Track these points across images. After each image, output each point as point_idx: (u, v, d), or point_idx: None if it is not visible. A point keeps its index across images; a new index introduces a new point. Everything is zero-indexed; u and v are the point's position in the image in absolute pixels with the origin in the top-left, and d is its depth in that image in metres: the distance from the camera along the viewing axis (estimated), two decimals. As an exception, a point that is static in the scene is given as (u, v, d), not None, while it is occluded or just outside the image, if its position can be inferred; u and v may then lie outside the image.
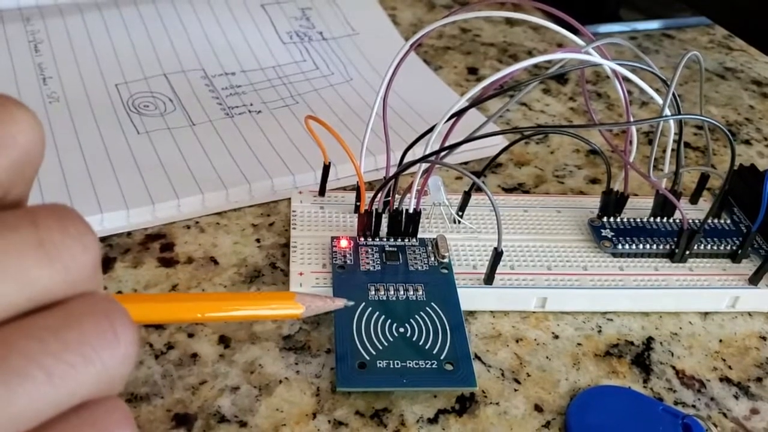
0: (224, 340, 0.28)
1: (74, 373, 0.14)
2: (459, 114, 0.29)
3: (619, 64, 0.28)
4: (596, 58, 0.27)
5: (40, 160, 0.16)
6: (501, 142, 0.39)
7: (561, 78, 0.48)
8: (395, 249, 0.31)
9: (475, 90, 0.28)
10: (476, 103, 0.28)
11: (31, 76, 0.41)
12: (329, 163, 0.33)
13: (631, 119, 0.30)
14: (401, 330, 0.28)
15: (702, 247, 0.32)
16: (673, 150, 0.32)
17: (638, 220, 0.33)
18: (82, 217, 0.15)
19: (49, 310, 0.14)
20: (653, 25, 0.55)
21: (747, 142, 0.44)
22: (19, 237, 0.14)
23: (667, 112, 0.30)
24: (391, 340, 0.27)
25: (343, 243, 0.31)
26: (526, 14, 0.29)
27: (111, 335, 0.14)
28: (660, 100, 0.30)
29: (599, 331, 0.30)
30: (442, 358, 0.27)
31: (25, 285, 0.14)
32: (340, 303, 0.24)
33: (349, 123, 0.40)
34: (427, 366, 0.26)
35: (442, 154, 0.29)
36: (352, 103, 0.42)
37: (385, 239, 0.31)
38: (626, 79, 0.30)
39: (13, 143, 0.15)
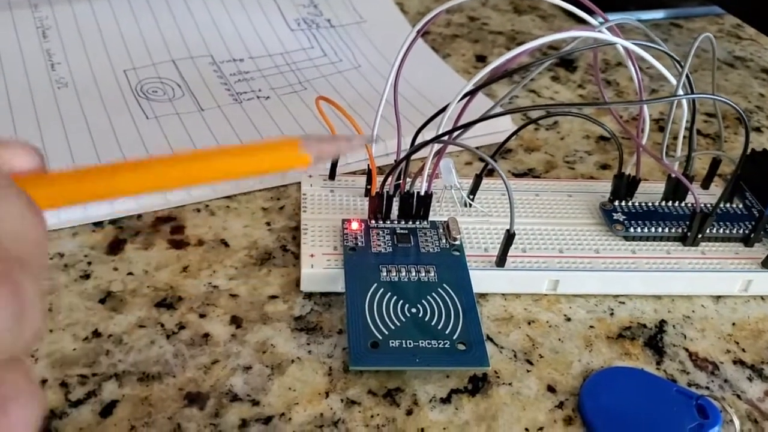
0: (236, 321, 0.28)
1: None
2: (470, 95, 0.29)
3: (634, 43, 0.27)
4: (609, 36, 0.27)
5: None
6: (511, 128, 0.39)
7: (570, 65, 0.47)
8: (406, 231, 0.31)
9: (487, 70, 0.28)
10: (489, 82, 0.28)
11: (40, 62, 0.41)
12: (339, 146, 0.33)
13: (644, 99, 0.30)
14: (413, 310, 0.27)
15: (714, 230, 0.32)
16: (685, 137, 0.32)
17: (650, 203, 0.33)
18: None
19: None
20: (661, 14, 0.55)
21: (758, 130, 0.43)
22: None
23: (680, 92, 0.30)
24: (404, 320, 0.27)
25: (354, 225, 0.31)
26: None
27: None
28: (674, 81, 0.30)
29: (611, 314, 0.30)
30: (454, 338, 0.27)
31: None
32: (358, 141, 0.18)
33: (357, 109, 0.40)
34: (440, 346, 0.26)
35: (455, 134, 0.29)
36: (360, 89, 0.42)
37: (396, 222, 0.31)
38: (640, 68, 0.29)
39: None
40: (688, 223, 0.32)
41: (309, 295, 0.29)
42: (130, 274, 0.30)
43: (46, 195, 0.16)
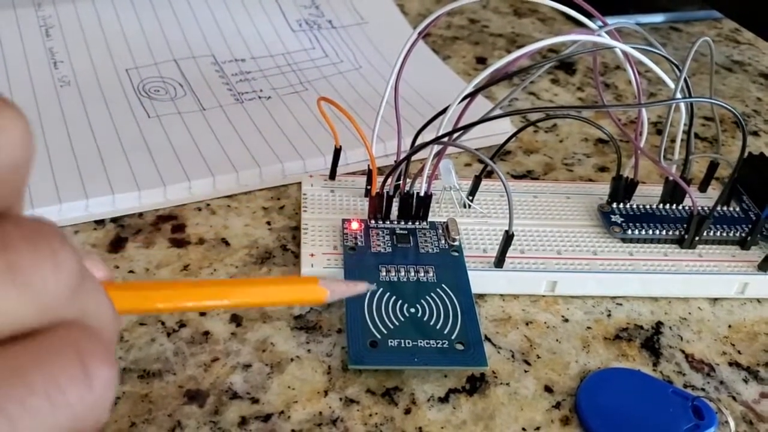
0: (236, 319, 0.28)
1: (39, 421, 0.13)
2: (470, 97, 0.29)
3: (632, 47, 0.28)
4: (608, 40, 0.27)
5: (27, 169, 0.14)
6: (510, 130, 0.39)
7: (569, 68, 0.48)
8: (406, 232, 0.31)
9: (487, 72, 0.28)
10: (489, 84, 0.28)
11: (43, 61, 0.42)
12: (340, 146, 0.34)
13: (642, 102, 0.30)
14: (412, 310, 0.28)
15: (711, 233, 0.32)
16: (682, 140, 0.33)
17: (648, 206, 0.34)
18: (60, 233, 0.13)
19: (16, 345, 0.13)
20: (659, 18, 0.56)
21: (755, 134, 0.44)
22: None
23: (678, 96, 0.30)
24: (402, 320, 0.27)
25: (354, 225, 0.31)
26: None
27: (82, 378, 0.13)
28: (672, 84, 0.30)
29: (609, 315, 0.30)
30: (453, 337, 0.27)
31: None
32: (362, 287, 0.23)
33: (358, 110, 0.40)
34: (438, 345, 0.27)
35: (455, 135, 0.29)
36: (361, 90, 0.43)
37: (395, 222, 0.31)
38: (639, 72, 0.30)
39: None
40: (685, 225, 0.32)
41: (309, 295, 0.30)
42: (131, 272, 0.30)
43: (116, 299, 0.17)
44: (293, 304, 0.27)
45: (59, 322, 0.13)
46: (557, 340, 0.29)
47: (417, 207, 0.31)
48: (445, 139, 0.29)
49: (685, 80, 0.30)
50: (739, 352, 0.29)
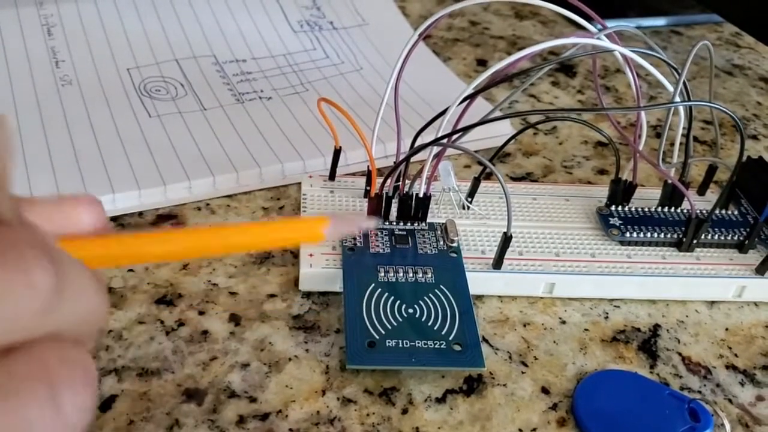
0: (235, 318, 0.28)
1: None
2: (470, 99, 0.29)
3: (631, 51, 0.28)
4: (608, 43, 0.27)
5: (5, 160, 0.14)
6: (509, 132, 0.39)
7: (570, 71, 0.48)
8: (405, 233, 0.31)
9: (487, 74, 0.28)
10: (489, 86, 0.28)
11: (44, 60, 0.42)
12: (340, 147, 0.34)
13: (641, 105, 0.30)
14: (410, 311, 0.28)
15: (709, 236, 0.32)
16: (681, 144, 0.33)
17: (646, 209, 0.34)
18: (36, 241, 0.13)
19: None
20: (660, 21, 0.56)
21: (754, 138, 0.44)
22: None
23: (677, 99, 0.30)
24: (400, 320, 0.27)
25: (353, 226, 0.31)
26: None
27: (51, 406, 0.13)
28: (671, 88, 0.30)
29: (606, 318, 0.30)
30: (450, 338, 0.27)
31: None
32: (371, 223, 0.22)
33: (358, 111, 0.40)
34: (436, 346, 0.27)
35: (455, 137, 0.29)
36: (361, 91, 0.43)
37: (394, 223, 0.32)
38: (639, 75, 0.30)
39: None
40: (683, 228, 0.32)
41: (307, 295, 0.30)
42: (130, 270, 0.30)
43: (104, 255, 0.16)
44: (292, 241, 0.25)
45: (33, 340, 0.13)
46: (554, 342, 0.29)
47: (416, 208, 0.32)
48: (445, 141, 0.29)
49: (684, 84, 0.30)
50: (735, 355, 0.29)
